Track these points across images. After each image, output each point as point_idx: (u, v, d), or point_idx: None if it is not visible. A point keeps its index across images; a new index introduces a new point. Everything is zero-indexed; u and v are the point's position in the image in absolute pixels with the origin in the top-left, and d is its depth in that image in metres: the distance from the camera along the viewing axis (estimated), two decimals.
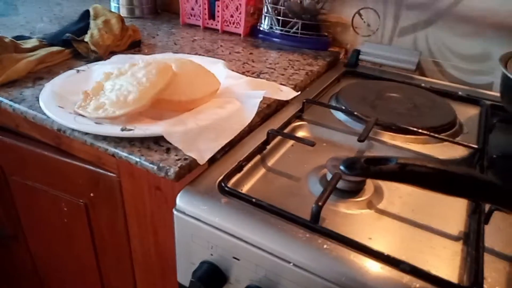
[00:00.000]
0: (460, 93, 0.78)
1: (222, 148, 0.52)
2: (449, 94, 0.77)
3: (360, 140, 0.55)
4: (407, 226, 0.46)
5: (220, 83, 0.60)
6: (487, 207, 0.44)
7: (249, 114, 0.56)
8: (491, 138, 0.64)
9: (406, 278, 0.38)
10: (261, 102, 0.59)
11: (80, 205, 0.66)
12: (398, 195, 0.51)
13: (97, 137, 0.52)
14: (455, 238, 0.44)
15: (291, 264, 0.41)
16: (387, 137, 0.61)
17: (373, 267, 0.39)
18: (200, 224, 0.45)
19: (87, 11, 0.86)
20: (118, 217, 0.64)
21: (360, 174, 0.36)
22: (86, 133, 0.53)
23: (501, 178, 0.53)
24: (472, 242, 0.42)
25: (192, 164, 0.49)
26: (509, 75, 0.57)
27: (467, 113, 0.72)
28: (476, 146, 0.57)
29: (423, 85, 0.80)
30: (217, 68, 0.68)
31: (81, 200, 0.66)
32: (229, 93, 0.61)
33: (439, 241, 0.44)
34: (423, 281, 0.37)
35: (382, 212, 0.48)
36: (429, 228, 0.46)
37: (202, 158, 0.48)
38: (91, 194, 0.64)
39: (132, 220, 0.63)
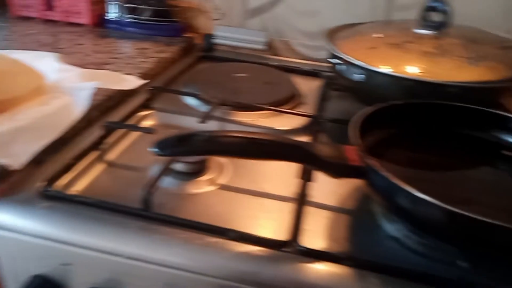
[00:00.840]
0: (305, 68, 0.84)
1: (51, 148, 0.48)
2: (296, 70, 0.83)
3: (201, 122, 0.55)
4: (247, 196, 0.47)
5: (43, 78, 0.54)
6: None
7: (80, 108, 0.52)
8: (327, 106, 0.70)
9: (235, 245, 0.39)
10: (95, 94, 0.55)
11: None
12: (243, 169, 0.52)
13: None
14: (289, 199, 0.47)
15: (126, 257, 0.39)
16: (235, 115, 0.63)
17: (202, 241, 0.39)
18: (23, 237, 0.40)
19: None
20: None
21: (171, 153, 0.35)
22: None
23: (332, 139, 0.59)
24: (299, 200, 0.45)
25: (4, 173, 0.43)
26: (328, 47, 0.62)
27: (309, 86, 0.77)
28: (311, 114, 0.61)
29: (274, 63, 0.84)
30: (46, 62, 0.61)
31: None
32: (58, 88, 0.55)
33: (275, 205, 0.46)
34: (249, 244, 0.39)
35: (226, 188, 0.49)
36: (268, 194, 0.48)
37: (17, 163, 0.43)
38: None
39: None
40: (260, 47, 0.87)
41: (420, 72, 0.55)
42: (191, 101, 0.66)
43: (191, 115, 0.61)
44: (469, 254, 0.35)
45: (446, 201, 0.38)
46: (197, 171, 0.50)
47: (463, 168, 0.48)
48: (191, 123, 0.60)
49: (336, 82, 0.69)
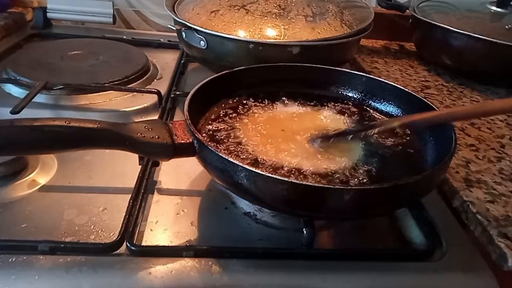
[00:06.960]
0: (162, 40, 0.76)
1: None
2: (152, 43, 0.74)
3: (14, 112, 0.44)
4: (79, 195, 0.40)
5: None
6: None
7: None
8: (184, 79, 0.64)
9: (48, 259, 0.31)
10: None
11: None
12: (74, 163, 0.44)
13: None
14: (130, 191, 0.40)
15: None
16: (70, 100, 0.53)
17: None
18: None
19: None
20: None
21: None
22: None
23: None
24: (138, 191, 0.39)
25: None
26: (169, 12, 0.56)
27: (166, 59, 0.70)
28: (155, 90, 0.54)
29: (126, 37, 0.74)
30: None
31: None
32: None
33: (115, 199, 0.39)
34: (67, 254, 0.32)
35: (50, 189, 0.40)
36: (106, 189, 0.41)
37: None
38: None
39: None
40: (107, 19, 0.76)
41: (262, 34, 0.52)
42: (11, 88, 0.54)
43: (8, 105, 0.50)
44: (310, 220, 0.33)
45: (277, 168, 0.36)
46: (11, 173, 0.40)
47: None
48: (6, 115, 0.48)
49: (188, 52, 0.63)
